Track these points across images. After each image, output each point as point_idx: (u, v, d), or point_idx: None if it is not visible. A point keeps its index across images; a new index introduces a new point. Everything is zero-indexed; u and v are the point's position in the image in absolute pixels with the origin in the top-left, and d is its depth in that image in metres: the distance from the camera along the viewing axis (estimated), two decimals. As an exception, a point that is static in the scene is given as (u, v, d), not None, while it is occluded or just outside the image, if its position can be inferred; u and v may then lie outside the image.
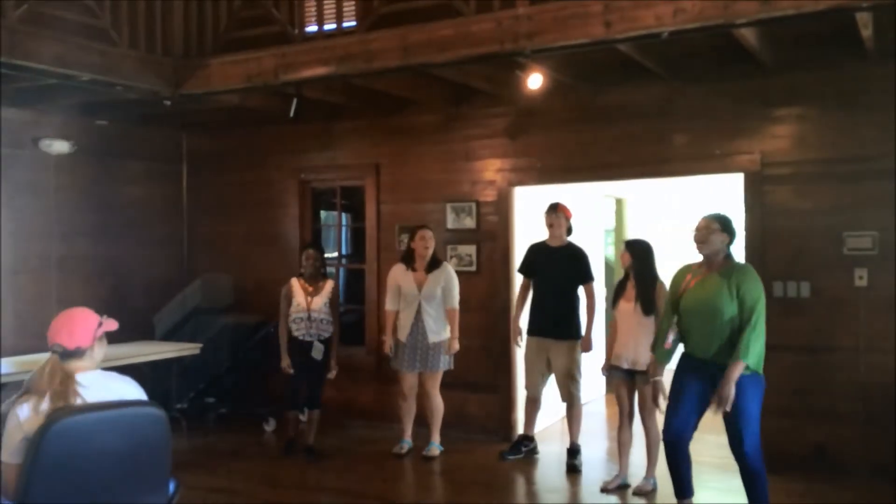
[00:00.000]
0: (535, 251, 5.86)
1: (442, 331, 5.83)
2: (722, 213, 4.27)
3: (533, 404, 5.87)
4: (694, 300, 4.14)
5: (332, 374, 5.93)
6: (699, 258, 4.29)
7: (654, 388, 4.54)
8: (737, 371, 3.94)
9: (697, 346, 4.15)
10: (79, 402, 2.54)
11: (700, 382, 4.13)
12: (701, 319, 4.10)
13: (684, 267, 4.35)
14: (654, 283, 5.09)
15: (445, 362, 5.85)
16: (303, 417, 6.43)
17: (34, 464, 2.37)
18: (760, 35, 4.77)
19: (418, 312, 5.80)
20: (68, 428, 2.43)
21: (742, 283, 4.05)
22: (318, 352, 5.84)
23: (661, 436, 4.97)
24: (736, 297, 4.02)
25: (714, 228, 4.15)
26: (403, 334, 5.86)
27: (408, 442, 6.00)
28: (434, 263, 5.87)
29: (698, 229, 4.21)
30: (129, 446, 2.54)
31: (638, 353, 5.00)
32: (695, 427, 4.23)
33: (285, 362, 5.87)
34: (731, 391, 3.93)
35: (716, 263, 4.17)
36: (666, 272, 4.90)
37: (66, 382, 2.55)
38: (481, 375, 6.43)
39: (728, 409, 3.95)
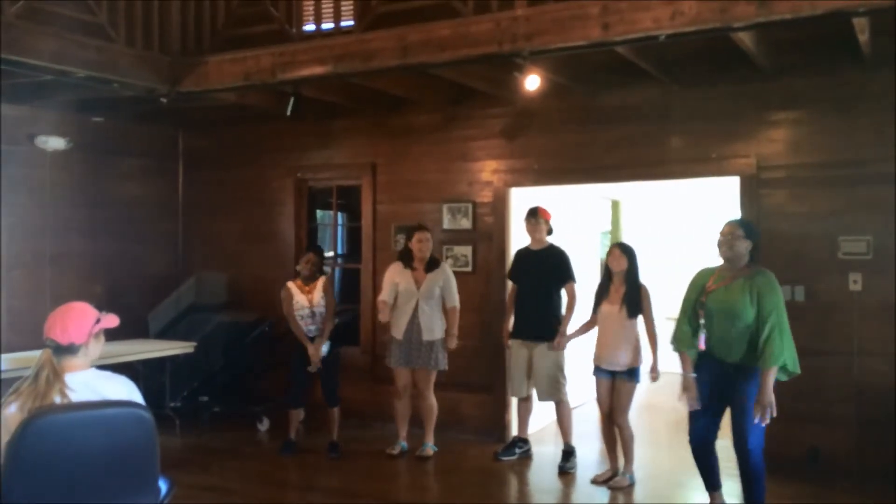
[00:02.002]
0: (519, 257, 5.90)
1: (437, 330, 5.82)
2: (745, 218, 4.27)
3: (524, 406, 5.87)
4: (718, 304, 4.15)
5: (311, 368, 5.87)
6: (695, 260, 4.29)
7: (686, 385, 4.24)
8: (770, 378, 3.98)
9: (717, 349, 4.19)
10: (63, 402, 2.49)
11: (717, 382, 4.18)
12: (723, 323, 4.12)
13: (706, 269, 4.35)
14: (640, 287, 5.19)
15: (440, 362, 5.83)
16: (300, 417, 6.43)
17: (13, 463, 2.33)
18: (757, 39, 4.77)
19: (415, 311, 5.79)
20: (47, 427, 2.39)
21: (761, 290, 4.06)
22: (325, 349, 5.88)
23: (633, 433, 5.20)
24: (756, 303, 4.04)
25: (738, 235, 4.16)
26: (399, 332, 5.85)
27: (403, 444, 5.99)
28: (433, 263, 5.88)
29: (723, 234, 4.20)
30: (111, 447, 2.49)
31: (618, 355, 5.14)
32: (718, 426, 4.27)
33: (313, 353, 5.82)
34: (770, 398, 3.97)
35: (739, 268, 4.18)
36: (661, 274, 4.90)
37: (52, 382, 2.50)
38: (476, 376, 6.43)
39: (775, 414, 3.98)
